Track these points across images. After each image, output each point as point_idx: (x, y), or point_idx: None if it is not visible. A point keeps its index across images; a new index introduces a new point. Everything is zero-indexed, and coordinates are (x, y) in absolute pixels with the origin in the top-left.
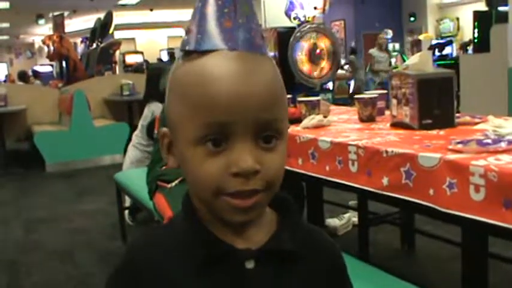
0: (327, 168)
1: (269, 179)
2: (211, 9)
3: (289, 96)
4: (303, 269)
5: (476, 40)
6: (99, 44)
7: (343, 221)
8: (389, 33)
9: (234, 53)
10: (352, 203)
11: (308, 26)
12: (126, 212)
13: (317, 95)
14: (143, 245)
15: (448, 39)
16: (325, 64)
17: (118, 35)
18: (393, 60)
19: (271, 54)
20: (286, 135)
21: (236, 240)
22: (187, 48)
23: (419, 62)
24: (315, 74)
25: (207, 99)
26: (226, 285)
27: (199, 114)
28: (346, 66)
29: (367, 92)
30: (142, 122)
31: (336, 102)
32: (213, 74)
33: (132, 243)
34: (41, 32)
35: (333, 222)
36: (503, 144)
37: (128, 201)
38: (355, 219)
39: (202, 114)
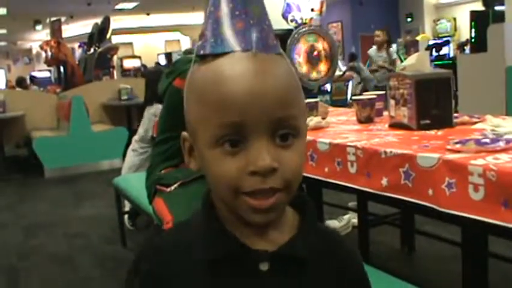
0: (326, 169)
1: (287, 178)
2: (223, 13)
3: None
4: (317, 275)
5: (473, 40)
6: (96, 49)
7: (343, 222)
8: None
9: (248, 53)
10: (352, 204)
11: (305, 28)
12: (126, 216)
13: (315, 97)
14: (164, 245)
15: (445, 39)
16: (322, 66)
17: (115, 39)
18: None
19: None
20: (304, 133)
21: (255, 241)
22: (201, 52)
23: (417, 63)
24: (313, 76)
25: (221, 100)
26: (240, 286)
27: (215, 115)
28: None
29: (365, 94)
30: (141, 128)
31: (334, 104)
32: (226, 75)
33: (152, 241)
34: (38, 38)
35: (332, 223)
36: (501, 144)
37: (127, 206)
38: (355, 221)
39: (218, 115)
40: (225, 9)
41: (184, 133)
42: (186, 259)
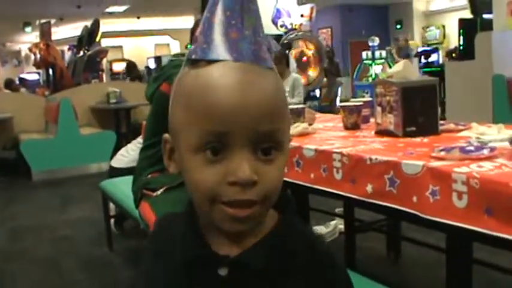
0: (312, 176)
1: (266, 191)
2: (218, 20)
3: None
4: (279, 281)
5: (461, 47)
6: (86, 51)
7: (330, 228)
8: (376, 41)
9: (238, 64)
10: (339, 210)
11: (295, 33)
12: (112, 220)
13: (304, 103)
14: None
15: (434, 46)
16: (312, 71)
17: (105, 42)
18: (379, 68)
19: None
20: (287, 148)
21: (225, 247)
22: (193, 56)
23: (404, 70)
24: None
25: (207, 108)
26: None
27: (199, 122)
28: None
29: (352, 100)
30: None
31: (322, 109)
32: (215, 84)
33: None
34: (27, 40)
35: (319, 229)
36: (485, 152)
37: (113, 210)
38: (342, 227)
39: (203, 122)
40: (221, 16)
41: (166, 135)
42: (169, 259)
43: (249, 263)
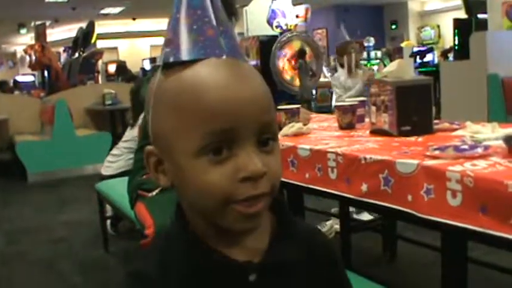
0: (307, 175)
1: (274, 181)
2: (191, 20)
3: None
4: (302, 273)
5: (456, 47)
6: (81, 53)
7: (325, 228)
8: (371, 41)
9: (223, 59)
10: (335, 210)
11: (290, 34)
12: (108, 221)
13: (298, 103)
14: (150, 269)
15: (429, 46)
16: None
17: (100, 44)
18: (374, 68)
19: (253, 62)
20: (278, 138)
21: (233, 251)
22: (172, 60)
23: (398, 69)
24: (298, 82)
25: (206, 108)
26: None
27: (199, 123)
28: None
29: (347, 100)
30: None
31: (319, 110)
32: (209, 81)
33: (137, 268)
34: (22, 42)
35: None
36: (479, 150)
37: (109, 211)
38: (338, 227)
39: (204, 122)
40: (193, 15)
41: (150, 147)
42: (174, 279)
43: (281, 263)
